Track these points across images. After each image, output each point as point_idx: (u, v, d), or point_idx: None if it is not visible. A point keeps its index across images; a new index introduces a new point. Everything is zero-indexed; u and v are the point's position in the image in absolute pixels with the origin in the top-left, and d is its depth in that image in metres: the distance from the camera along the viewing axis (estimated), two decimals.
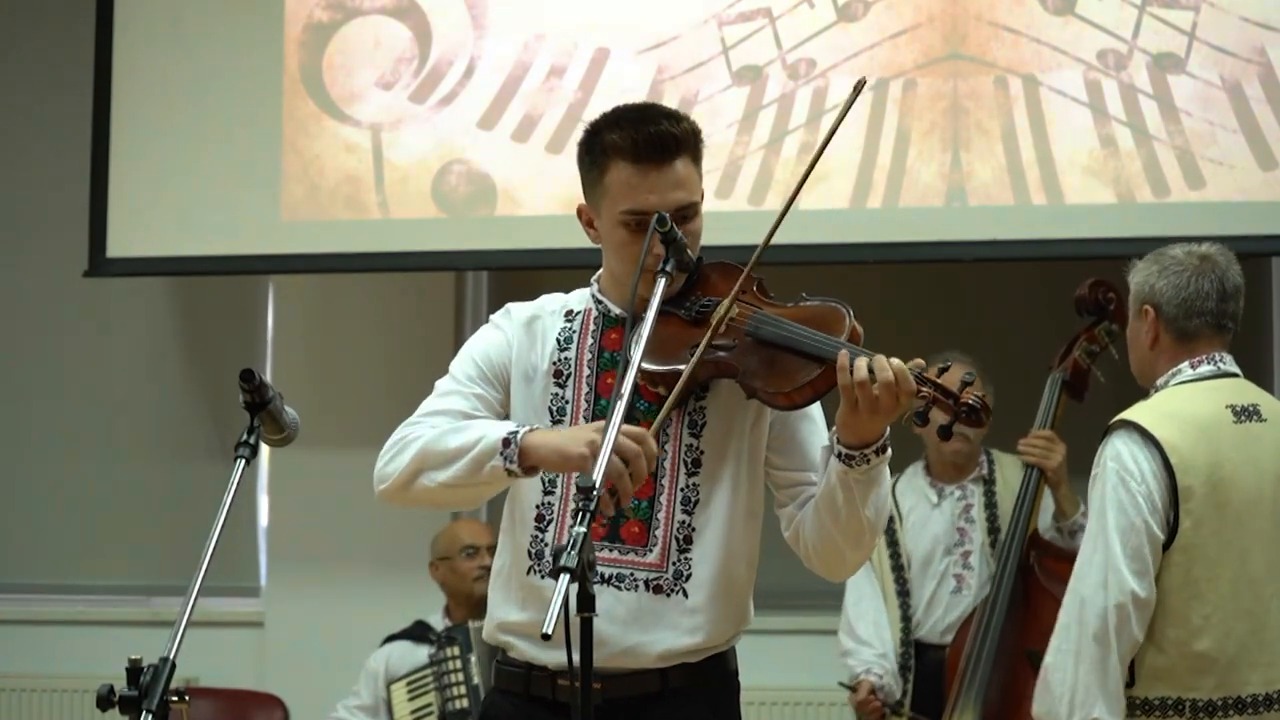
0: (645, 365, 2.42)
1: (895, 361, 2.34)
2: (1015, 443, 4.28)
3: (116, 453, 5.84)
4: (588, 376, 2.56)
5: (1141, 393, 3.14)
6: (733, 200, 4.71)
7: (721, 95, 4.78)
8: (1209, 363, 3.08)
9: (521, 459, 2.38)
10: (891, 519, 4.38)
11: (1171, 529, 2.93)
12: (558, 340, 2.59)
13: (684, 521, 2.51)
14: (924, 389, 2.35)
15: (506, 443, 2.39)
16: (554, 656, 2.42)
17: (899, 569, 4.39)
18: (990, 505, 4.39)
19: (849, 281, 4.43)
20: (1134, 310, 3.14)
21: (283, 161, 5.02)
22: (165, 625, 4.91)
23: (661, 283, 2.39)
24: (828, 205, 4.72)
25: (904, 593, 4.37)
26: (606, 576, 2.47)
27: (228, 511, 2.29)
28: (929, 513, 4.42)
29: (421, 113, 4.96)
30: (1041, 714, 2.94)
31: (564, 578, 2.04)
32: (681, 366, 2.44)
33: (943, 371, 2.39)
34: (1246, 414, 3.02)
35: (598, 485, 2.13)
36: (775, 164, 4.72)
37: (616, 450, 2.21)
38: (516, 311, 2.65)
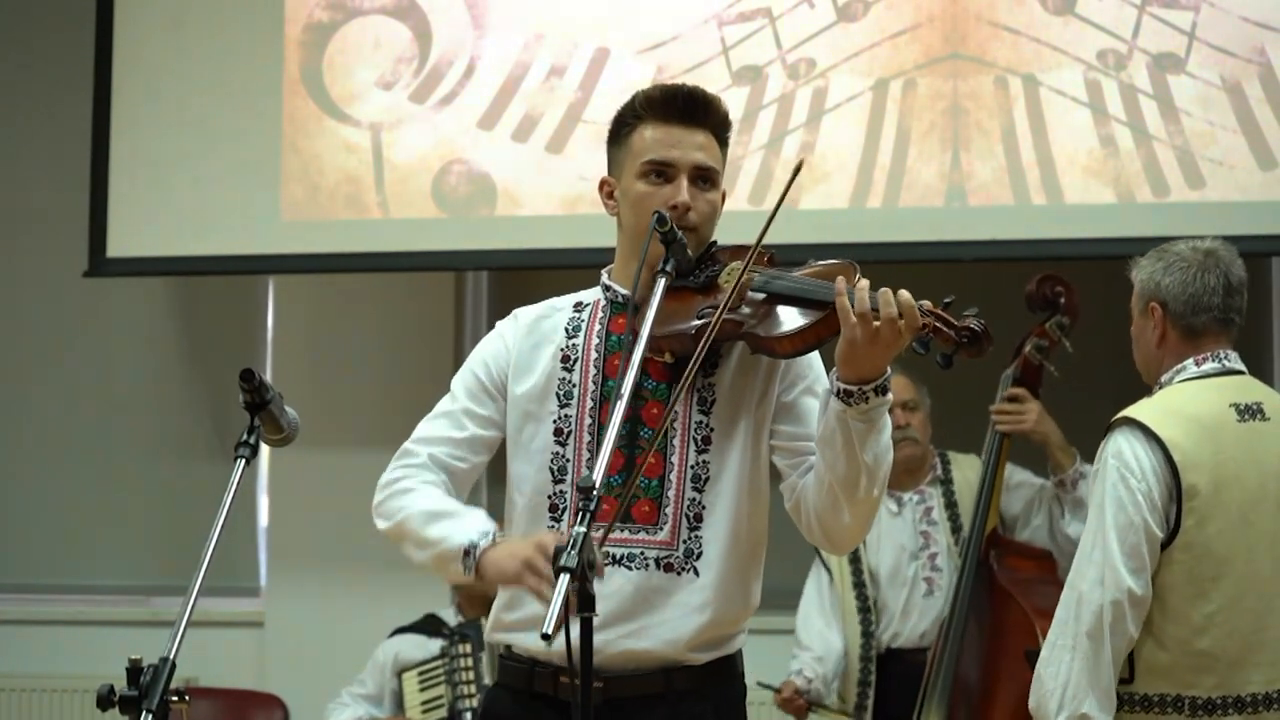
0: (654, 328, 2.43)
1: (903, 293, 2.34)
2: (976, 444, 4.30)
3: (116, 453, 5.83)
4: (595, 360, 2.57)
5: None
6: (733, 200, 4.66)
7: (721, 95, 4.76)
8: (1214, 360, 3.07)
9: (479, 572, 2.44)
10: None
11: (1172, 527, 2.93)
12: (566, 330, 2.61)
13: (694, 499, 2.51)
14: (925, 318, 2.36)
15: (467, 553, 2.44)
16: (558, 650, 2.42)
17: (860, 585, 4.39)
18: (950, 505, 4.40)
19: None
20: (1139, 308, 3.13)
21: (283, 161, 5.02)
22: (165, 625, 4.91)
23: (661, 283, 2.39)
24: (828, 205, 4.72)
25: (865, 608, 4.37)
26: (617, 557, 2.48)
27: (228, 511, 2.29)
28: (890, 522, 4.42)
29: (421, 113, 4.96)
30: (1033, 707, 2.94)
31: (564, 577, 2.04)
32: (683, 326, 2.45)
33: (946, 306, 2.40)
34: (1250, 412, 3.02)
35: (597, 485, 2.13)
36: (775, 164, 4.72)
37: (539, 573, 2.27)
38: (523, 315, 2.68)
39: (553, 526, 2.53)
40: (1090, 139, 4.60)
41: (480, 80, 4.93)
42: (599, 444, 2.50)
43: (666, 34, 4.84)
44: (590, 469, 2.48)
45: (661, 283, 2.40)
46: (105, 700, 2.09)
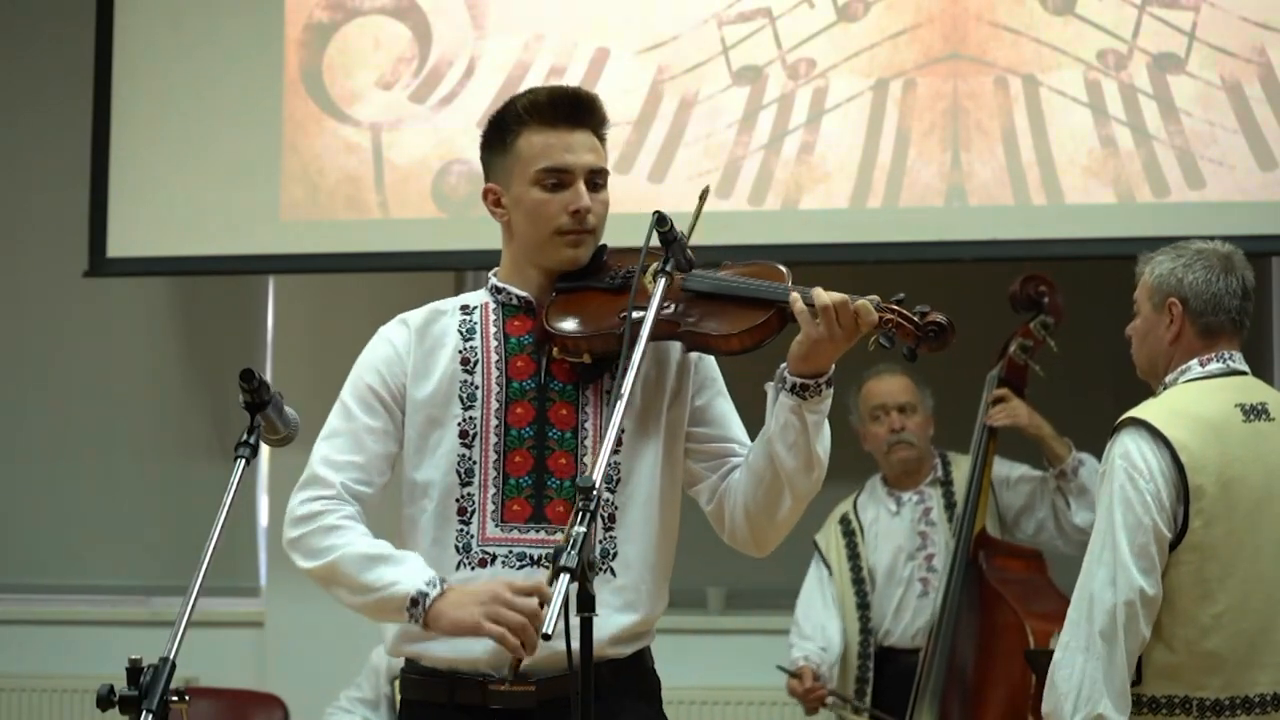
0: (573, 329, 2.48)
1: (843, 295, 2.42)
2: (968, 444, 4.31)
3: (116, 453, 5.83)
4: (496, 362, 2.56)
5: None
6: (733, 200, 4.71)
7: (721, 95, 4.78)
8: (1219, 360, 3.06)
9: (426, 622, 2.40)
10: (853, 532, 4.43)
11: (1180, 528, 2.92)
12: (460, 333, 2.59)
13: (607, 500, 2.50)
14: (887, 315, 2.41)
15: (415, 602, 2.40)
16: (486, 656, 2.43)
17: (859, 582, 4.41)
18: (950, 506, 4.41)
19: (849, 282, 4.43)
20: (1154, 303, 3.10)
21: (283, 161, 5.02)
22: (165, 625, 4.90)
23: (661, 283, 2.40)
24: (828, 205, 4.72)
25: (865, 605, 4.39)
26: (535, 558, 2.46)
27: (228, 511, 2.29)
28: (889, 522, 4.44)
29: (421, 113, 4.96)
30: (1048, 711, 2.93)
31: (563, 578, 2.04)
32: (608, 326, 2.46)
33: (899, 302, 2.44)
34: (1255, 413, 3.01)
35: (597, 485, 2.13)
36: (775, 164, 4.72)
37: (516, 609, 2.28)
38: (411, 319, 2.65)
39: (461, 529, 2.50)
40: (1090, 139, 4.60)
41: (480, 80, 4.93)
42: (507, 445, 2.51)
43: (666, 34, 4.84)
44: (498, 470, 2.50)
45: (661, 283, 2.40)
46: (105, 700, 2.09)
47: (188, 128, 5.10)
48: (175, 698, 2.11)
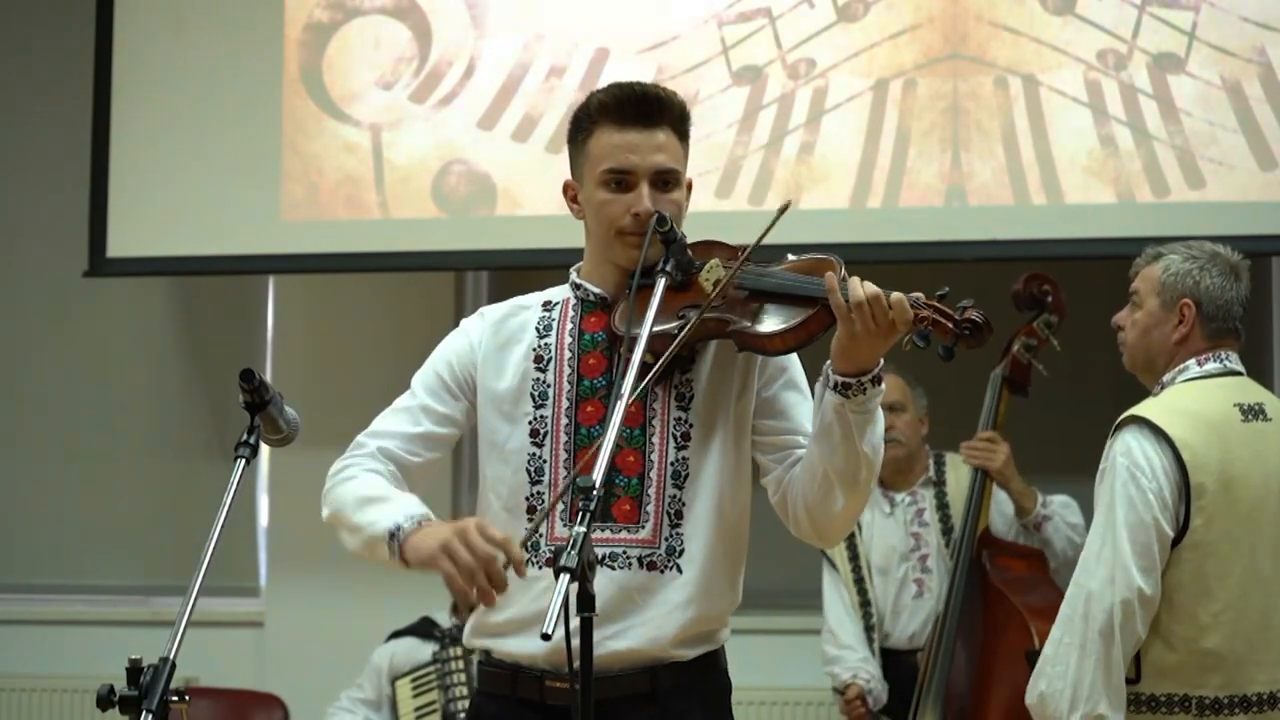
0: (634, 331, 2.43)
1: (894, 294, 2.36)
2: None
3: (116, 453, 5.83)
4: (569, 359, 2.56)
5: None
6: (733, 200, 4.71)
7: (721, 95, 4.78)
8: (1215, 360, 3.07)
9: (403, 556, 2.39)
10: (853, 533, 4.41)
11: (1181, 526, 2.93)
12: (537, 329, 2.59)
13: (674, 496, 2.50)
14: (923, 311, 2.36)
15: (391, 536, 2.40)
16: (543, 653, 2.42)
17: (860, 580, 4.40)
18: (942, 507, 4.40)
19: None
20: (1163, 300, 3.10)
21: (283, 161, 5.02)
22: (165, 625, 4.91)
23: (661, 283, 2.39)
24: (828, 205, 4.72)
25: (866, 603, 4.39)
26: (600, 556, 2.44)
27: (228, 511, 2.29)
28: (883, 523, 4.44)
29: (421, 113, 4.96)
30: (1034, 704, 2.93)
31: (564, 577, 2.04)
32: (666, 325, 2.44)
33: (941, 297, 2.39)
34: (1253, 413, 3.02)
35: (597, 485, 2.13)
36: (775, 164, 4.72)
37: (472, 550, 2.21)
38: (490, 313, 2.66)
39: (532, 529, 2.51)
40: (1090, 139, 4.60)
41: (480, 80, 4.93)
42: (576, 444, 2.50)
43: (666, 34, 4.84)
44: (568, 470, 2.49)
45: (662, 282, 2.39)
46: (105, 700, 2.09)
47: (188, 127, 5.11)
48: (175, 698, 2.11)
